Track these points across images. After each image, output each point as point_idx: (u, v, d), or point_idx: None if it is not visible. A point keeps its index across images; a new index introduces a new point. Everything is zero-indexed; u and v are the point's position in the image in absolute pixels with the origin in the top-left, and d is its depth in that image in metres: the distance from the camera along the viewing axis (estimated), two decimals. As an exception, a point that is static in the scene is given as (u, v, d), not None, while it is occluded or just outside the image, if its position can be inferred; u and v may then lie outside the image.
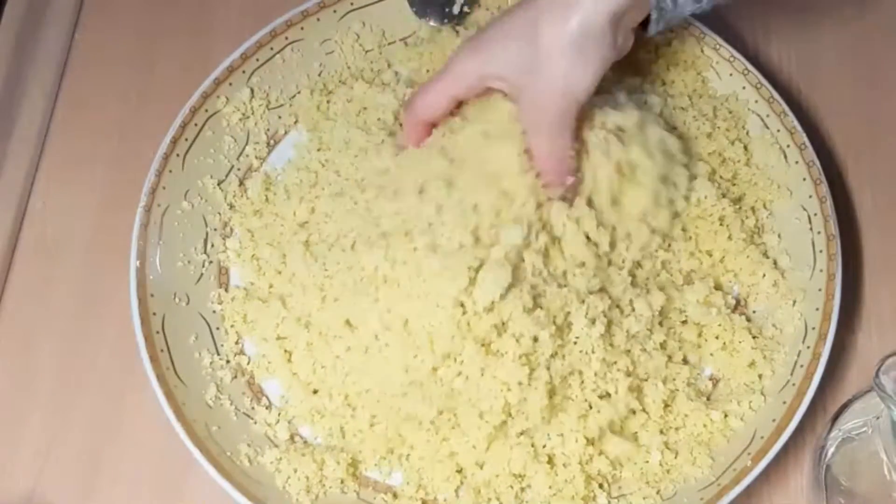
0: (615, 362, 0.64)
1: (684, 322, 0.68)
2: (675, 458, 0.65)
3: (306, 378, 0.67)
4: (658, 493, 0.64)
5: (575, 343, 0.64)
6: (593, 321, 0.64)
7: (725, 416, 0.66)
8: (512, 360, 0.62)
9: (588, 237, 0.66)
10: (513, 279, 0.62)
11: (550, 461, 0.64)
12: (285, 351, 0.68)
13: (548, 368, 0.63)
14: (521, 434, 0.63)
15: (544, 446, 0.63)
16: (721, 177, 0.73)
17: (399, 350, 0.63)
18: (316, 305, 0.67)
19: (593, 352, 0.64)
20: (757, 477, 0.62)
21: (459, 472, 0.64)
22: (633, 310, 0.66)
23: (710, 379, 0.68)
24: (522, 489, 0.64)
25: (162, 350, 0.65)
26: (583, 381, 0.64)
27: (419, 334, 0.63)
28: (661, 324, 0.67)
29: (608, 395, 0.64)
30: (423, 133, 0.69)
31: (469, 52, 0.65)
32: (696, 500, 0.62)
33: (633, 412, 0.65)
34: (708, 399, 0.67)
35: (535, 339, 0.62)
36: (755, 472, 0.62)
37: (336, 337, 0.65)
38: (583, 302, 0.64)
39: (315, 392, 0.67)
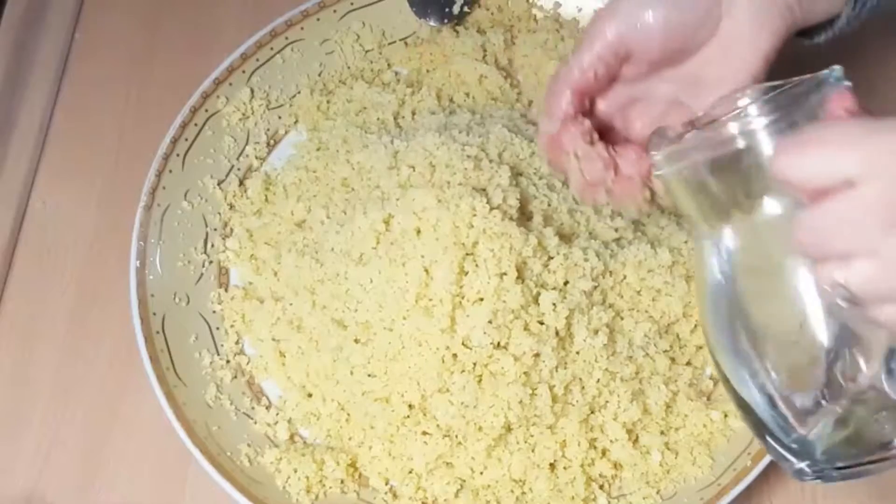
0: (618, 372, 0.64)
1: (692, 330, 0.68)
2: (676, 458, 0.65)
3: (300, 381, 0.67)
4: (658, 493, 0.64)
5: (578, 353, 0.63)
6: (596, 332, 0.63)
7: (725, 416, 0.66)
8: (512, 380, 0.61)
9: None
10: (508, 300, 0.62)
11: (552, 466, 0.64)
12: (280, 353, 0.68)
13: (549, 381, 0.62)
14: (522, 441, 0.63)
15: (545, 450, 0.63)
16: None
17: (384, 382, 0.63)
18: (306, 309, 0.66)
19: (596, 361, 0.63)
20: (757, 477, 0.62)
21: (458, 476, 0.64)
22: (637, 323, 0.66)
23: (711, 378, 0.68)
24: (523, 493, 0.64)
25: (162, 350, 0.65)
26: (584, 388, 0.64)
27: (404, 373, 0.62)
28: (667, 331, 0.67)
29: (608, 403, 0.64)
30: (576, 104, 0.57)
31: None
32: (696, 500, 0.62)
33: (639, 419, 0.65)
34: (708, 399, 0.67)
35: (537, 355, 0.62)
36: (755, 472, 0.62)
37: (326, 344, 0.65)
38: (584, 313, 0.64)
39: (310, 395, 0.66)
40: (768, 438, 0.50)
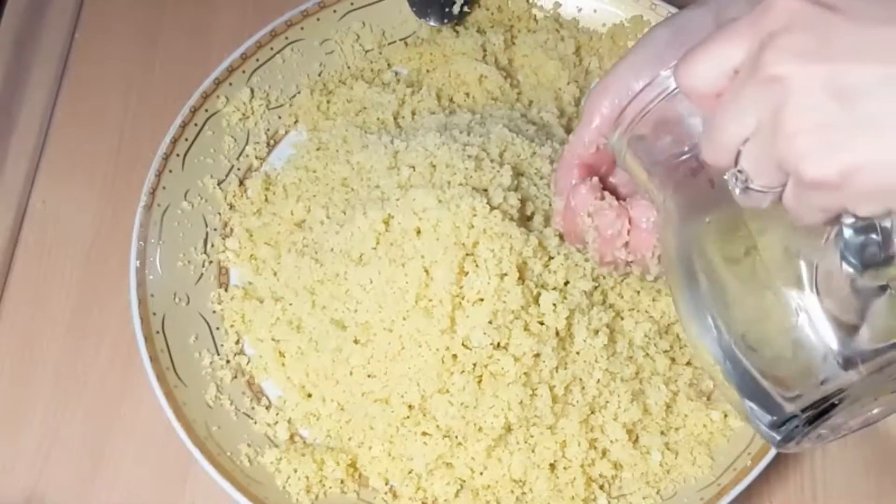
0: (618, 372, 0.64)
1: None
2: (676, 458, 0.65)
3: (300, 382, 0.66)
4: (658, 493, 0.64)
5: (578, 354, 0.63)
6: (596, 332, 0.63)
7: (725, 416, 0.66)
8: (512, 381, 0.61)
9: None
10: (508, 302, 0.61)
11: (552, 466, 0.63)
12: (280, 353, 0.67)
13: (549, 381, 0.62)
14: (522, 442, 0.63)
15: (545, 450, 0.63)
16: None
17: (384, 383, 0.63)
18: (306, 309, 0.66)
19: (596, 361, 0.63)
20: (757, 477, 0.62)
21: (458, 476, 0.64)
22: (637, 323, 0.66)
23: (711, 379, 0.68)
24: (523, 493, 0.64)
25: (162, 350, 0.65)
26: (584, 388, 0.64)
27: (403, 374, 0.62)
28: (667, 331, 0.67)
29: (608, 404, 0.64)
30: (582, 173, 0.59)
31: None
32: (696, 500, 0.62)
33: (639, 419, 0.65)
34: (708, 399, 0.67)
35: (537, 355, 0.62)
36: (755, 472, 0.62)
37: (325, 345, 0.65)
38: (584, 314, 0.64)
39: (309, 396, 0.66)
40: (754, 419, 0.49)
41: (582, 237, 0.60)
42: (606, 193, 0.59)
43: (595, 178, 0.59)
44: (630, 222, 0.58)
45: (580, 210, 0.59)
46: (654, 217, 0.57)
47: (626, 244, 0.58)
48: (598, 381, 0.63)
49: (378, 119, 0.74)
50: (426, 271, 0.62)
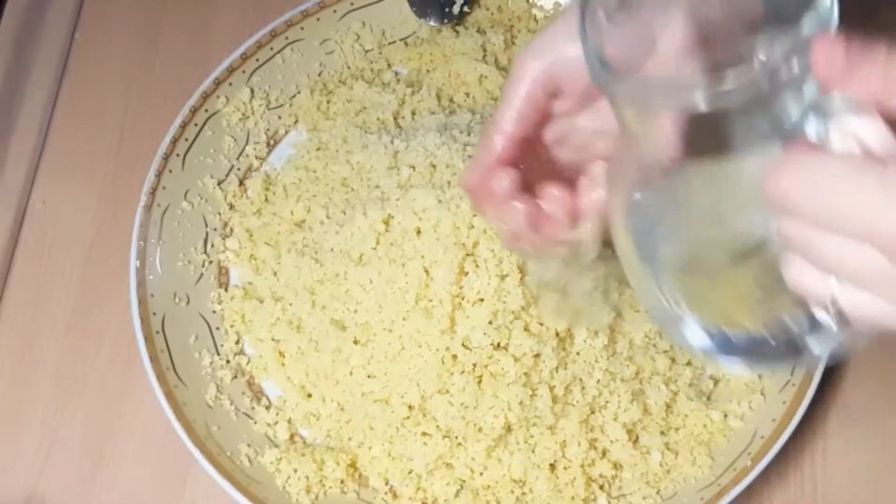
0: (618, 372, 0.64)
1: None
2: (676, 458, 0.65)
3: (300, 382, 0.67)
4: (658, 493, 0.64)
5: (578, 354, 0.63)
6: (596, 332, 0.63)
7: (725, 415, 0.66)
8: (512, 381, 0.61)
9: None
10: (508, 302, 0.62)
11: (552, 466, 0.64)
12: (280, 353, 0.68)
13: (549, 381, 0.62)
14: (522, 442, 0.63)
15: (545, 450, 0.63)
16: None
17: (384, 383, 0.63)
18: (306, 310, 0.66)
19: (596, 361, 0.63)
20: (757, 477, 0.62)
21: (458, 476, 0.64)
22: (637, 323, 0.66)
23: (711, 378, 0.68)
24: (523, 493, 0.64)
25: (162, 350, 0.65)
26: (584, 388, 0.64)
27: (403, 375, 0.62)
28: None
29: (608, 404, 0.64)
30: (510, 148, 0.53)
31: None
32: (696, 500, 0.62)
33: (639, 419, 0.65)
34: (708, 399, 0.67)
35: (537, 356, 0.62)
36: (755, 472, 0.62)
37: (325, 345, 0.65)
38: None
39: (309, 396, 0.66)
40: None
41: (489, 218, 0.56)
42: (515, 190, 0.53)
43: (511, 173, 0.53)
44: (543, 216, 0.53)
45: (492, 197, 0.54)
46: (567, 207, 0.53)
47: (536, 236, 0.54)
48: (598, 381, 0.63)
49: (378, 119, 0.74)
50: (426, 271, 0.62)
